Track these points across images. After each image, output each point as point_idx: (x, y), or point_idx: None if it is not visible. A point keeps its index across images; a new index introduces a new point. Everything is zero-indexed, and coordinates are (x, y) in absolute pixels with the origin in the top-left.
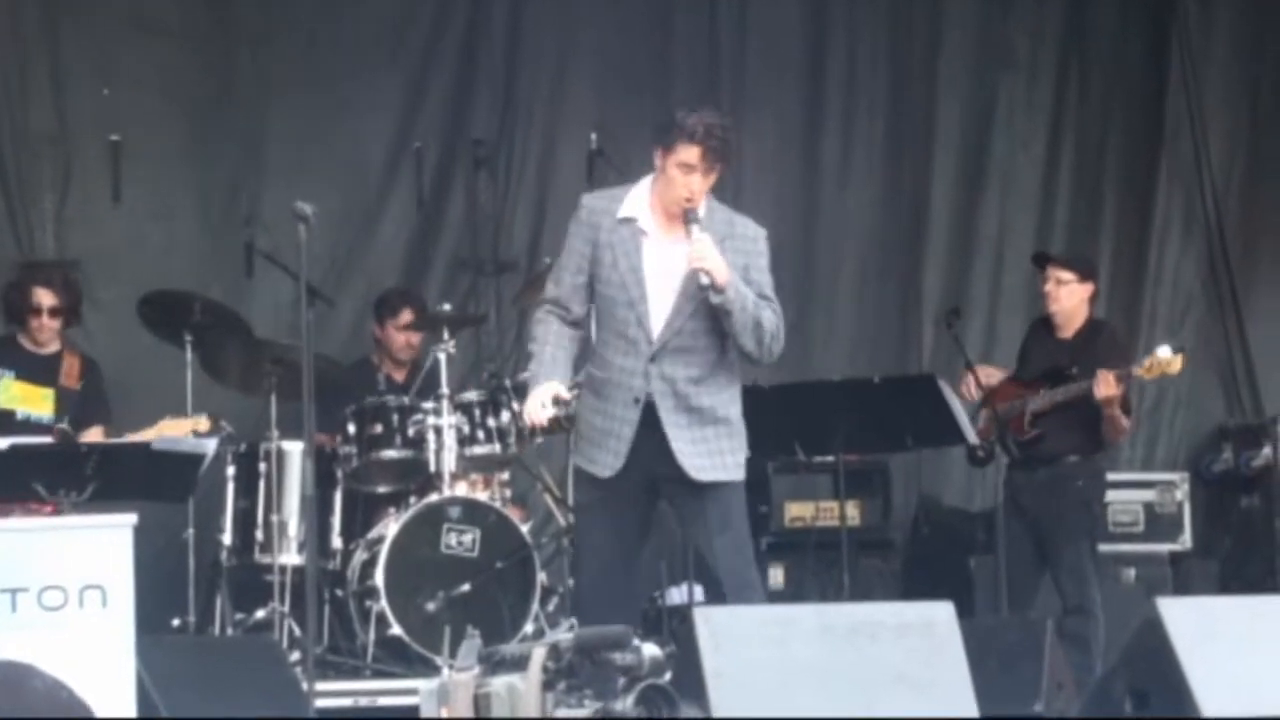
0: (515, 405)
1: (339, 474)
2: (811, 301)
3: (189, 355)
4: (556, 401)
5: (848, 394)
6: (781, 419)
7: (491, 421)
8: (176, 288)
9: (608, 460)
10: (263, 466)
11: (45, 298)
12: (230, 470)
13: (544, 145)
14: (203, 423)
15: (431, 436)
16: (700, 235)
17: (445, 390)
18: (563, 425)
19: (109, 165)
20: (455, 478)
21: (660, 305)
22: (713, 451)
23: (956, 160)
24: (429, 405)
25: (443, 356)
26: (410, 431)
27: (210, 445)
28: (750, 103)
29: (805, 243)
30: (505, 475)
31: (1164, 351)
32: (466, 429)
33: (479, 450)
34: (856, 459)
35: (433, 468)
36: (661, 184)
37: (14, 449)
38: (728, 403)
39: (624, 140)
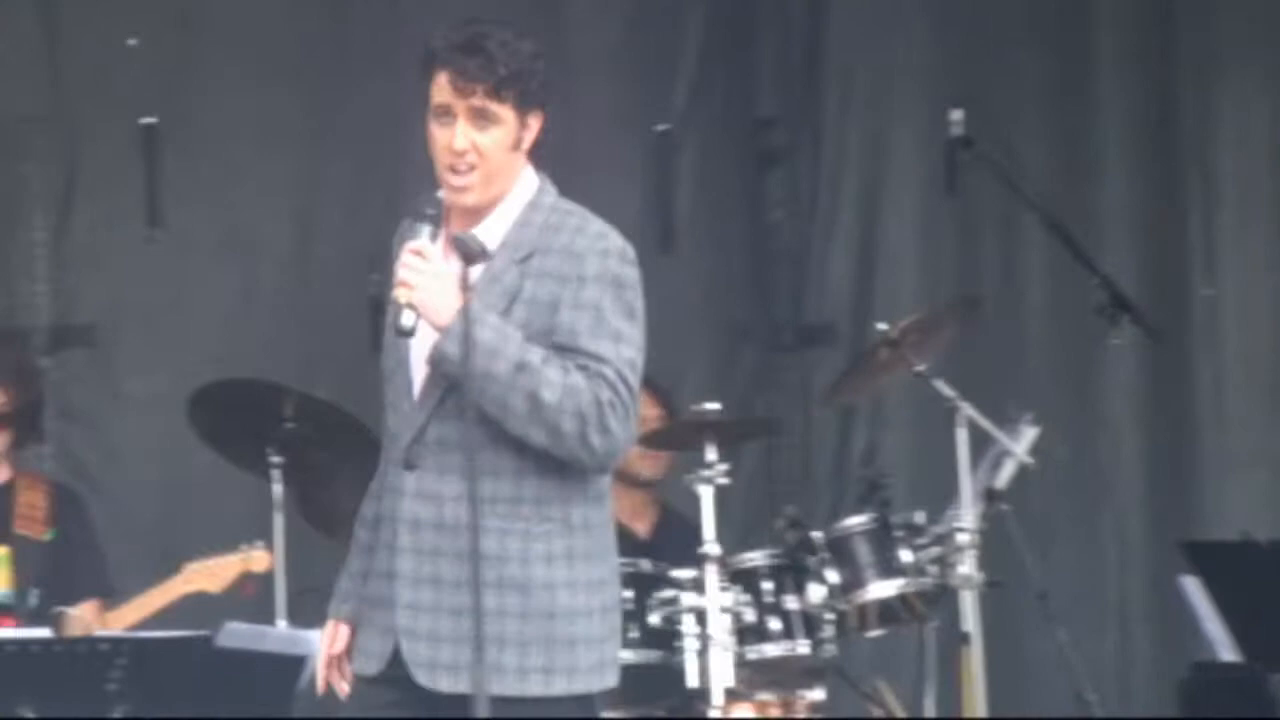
0: (833, 575)
1: None
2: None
3: (277, 488)
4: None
5: None
6: None
7: (792, 602)
8: (256, 375)
9: (372, 645)
10: None
11: None
12: None
13: (871, 130)
14: (259, 559)
15: (690, 626)
16: (420, 241)
17: (712, 548)
18: None
19: (139, 160)
20: (733, 698)
21: (421, 371)
22: (486, 638)
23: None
24: (685, 574)
25: (707, 491)
26: (654, 618)
27: (310, 640)
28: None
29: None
30: (819, 693)
31: None
32: (751, 615)
33: (772, 651)
34: None
35: (693, 680)
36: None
37: None
38: (538, 556)
39: (1005, 120)
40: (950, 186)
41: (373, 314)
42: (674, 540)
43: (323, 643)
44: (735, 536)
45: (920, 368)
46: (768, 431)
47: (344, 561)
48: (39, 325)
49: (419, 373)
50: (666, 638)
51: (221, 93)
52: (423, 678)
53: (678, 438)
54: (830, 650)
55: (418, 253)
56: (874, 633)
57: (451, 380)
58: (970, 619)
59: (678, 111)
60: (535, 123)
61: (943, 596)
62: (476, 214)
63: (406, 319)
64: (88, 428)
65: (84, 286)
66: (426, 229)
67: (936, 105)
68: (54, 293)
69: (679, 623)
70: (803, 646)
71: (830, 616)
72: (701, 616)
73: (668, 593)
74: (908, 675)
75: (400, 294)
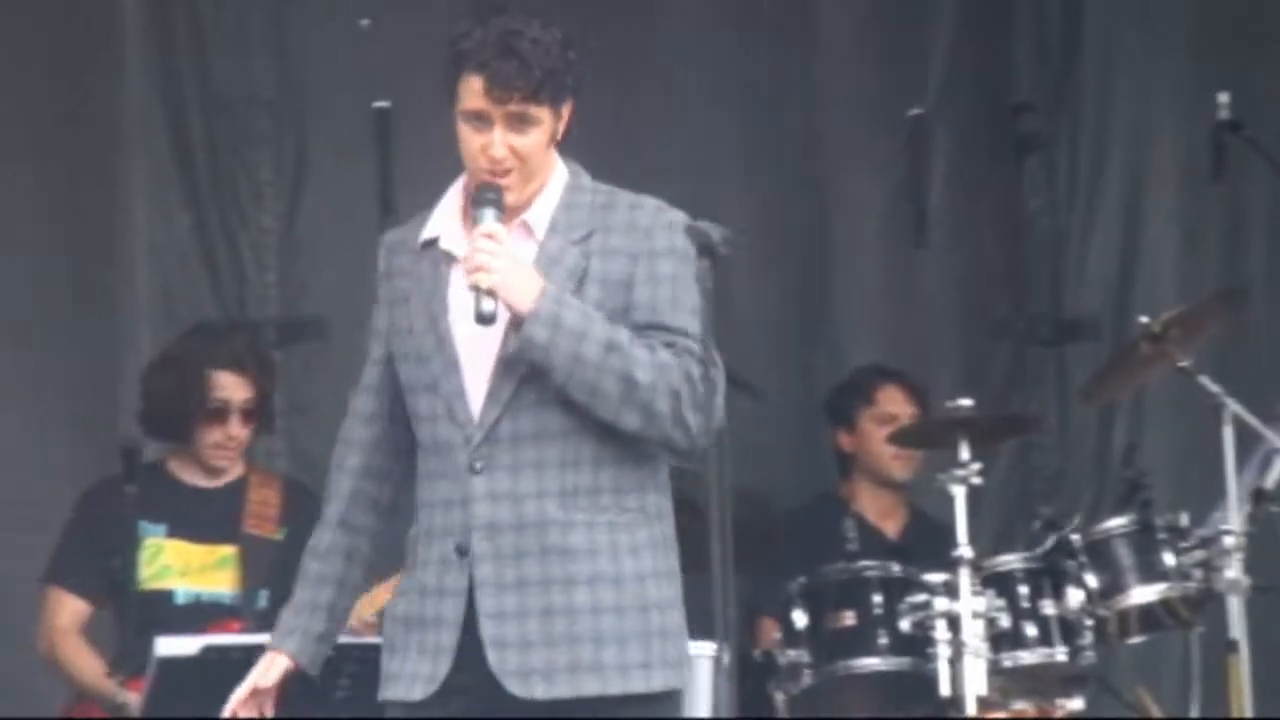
0: (1093, 579)
1: (777, 697)
2: None
3: None
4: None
5: None
6: None
7: (1049, 607)
8: None
9: (420, 668)
10: None
11: (236, 389)
12: None
13: (1132, 113)
14: None
15: (942, 632)
16: (490, 224)
17: (965, 551)
18: None
19: (371, 145)
20: (987, 707)
21: (481, 370)
22: (569, 638)
23: None
24: (936, 578)
25: (960, 491)
26: (904, 623)
27: None
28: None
29: None
30: (1078, 702)
31: None
32: (1006, 620)
33: (1028, 658)
34: None
35: (945, 688)
36: (465, 164)
37: (210, 655)
38: (625, 548)
39: (1274, 102)
40: (1216, 173)
41: None
42: (923, 542)
43: (253, 673)
44: (989, 539)
45: (1184, 363)
46: (1023, 429)
47: None
48: (269, 317)
49: (478, 369)
50: (917, 644)
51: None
52: (515, 687)
53: (930, 436)
54: (1089, 657)
55: (491, 236)
56: (1135, 639)
57: (531, 369)
58: (1237, 625)
59: (930, 96)
60: (567, 111)
61: (1208, 602)
62: (515, 210)
63: (487, 305)
64: (318, 423)
65: (314, 277)
66: (490, 212)
67: (1201, 87)
68: (283, 283)
69: (931, 628)
70: (1060, 654)
71: (1089, 622)
72: (954, 622)
73: (919, 597)
74: (1171, 684)
75: (480, 279)
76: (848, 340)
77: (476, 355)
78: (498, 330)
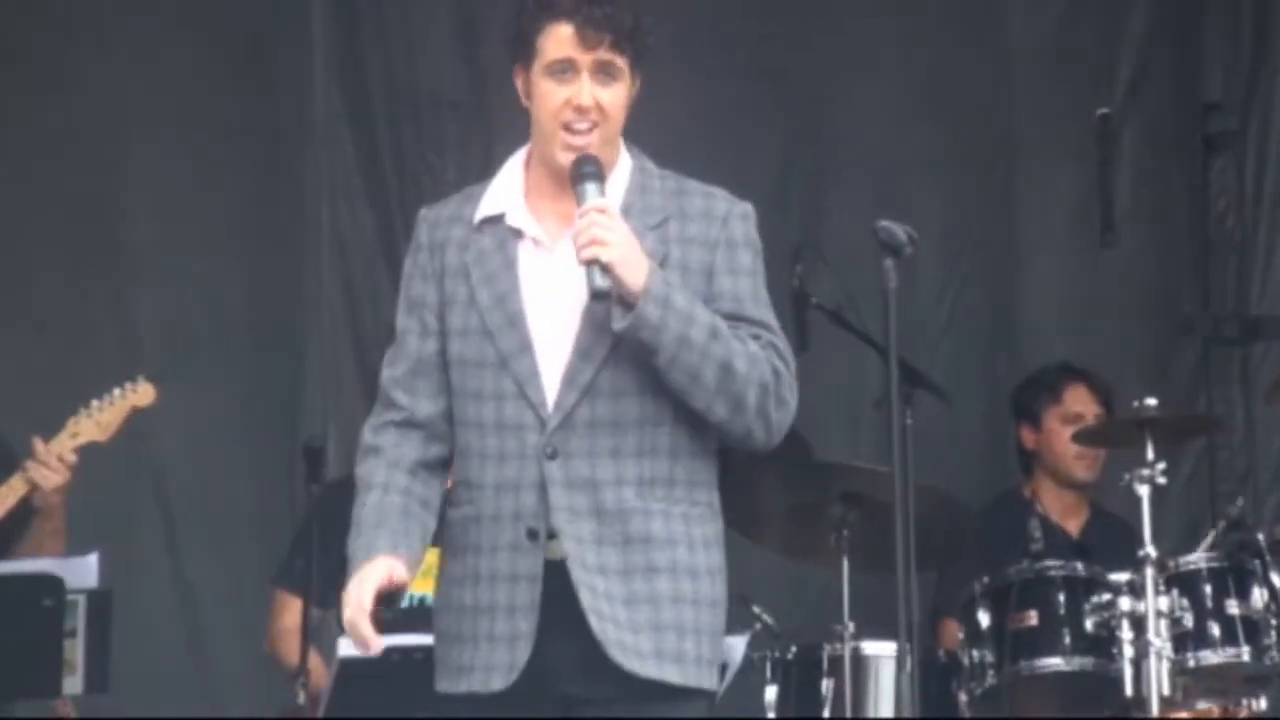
0: (1277, 580)
1: (960, 697)
2: None
3: None
4: (389, 598)
5: None
6: None
7: (1234, 607)
8: None
9: (496, 658)
10: (826, 685)
11: None
12: (770, 692)
13: None
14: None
15: (1126, 633)
16: (597, 199)
17: (1150, 550)
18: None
19: None
20: (1171, 706)
21: (556, 352)
22: (653, 625)
23: None
24: (1120, 577)
25: (1145, 490)
26: (1088, 623)
27: (734, 646)
28: None
29: None
30: (1262, 702)
31: None
32: (1190, 620)
33: (1212, 658)
34: None
35: (1129, 689)
36: (537, 131)
37: (391, 656)
38: (699, 540)
39: None
40: None
41: (796, 308)
42: (1105, 540)
43: (366, 590)
44: (1174, 538)
45: None
46: (1208, 430)
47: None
48: None
49: (551, 351)
50: (1101, 644)
51: (649, 79)
52: (619, 656)
53: (1114, 435)
54: (1274, 657)
55: (603, 210)
56: None
57: (611, 353)
58: None
59: (1119, 95)
60: (637, 82)
61: None
62: None
63: (602, 281)
64: None
65: None
66: (594, 186)
67: None
68: None
69: (1115, 628)
70: (1245, 653)
71: (1274, 622)
72: (1138, 622)
73: (1103, 597)
74: None
75: (598, 252)
76: (1033, 340)
77: (550, 337)
78: (573, 312)
